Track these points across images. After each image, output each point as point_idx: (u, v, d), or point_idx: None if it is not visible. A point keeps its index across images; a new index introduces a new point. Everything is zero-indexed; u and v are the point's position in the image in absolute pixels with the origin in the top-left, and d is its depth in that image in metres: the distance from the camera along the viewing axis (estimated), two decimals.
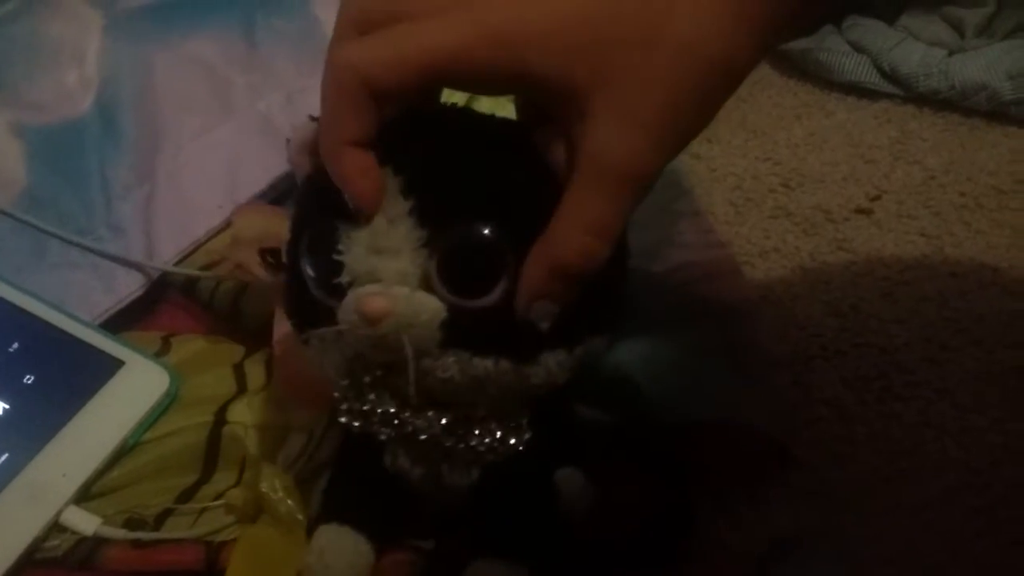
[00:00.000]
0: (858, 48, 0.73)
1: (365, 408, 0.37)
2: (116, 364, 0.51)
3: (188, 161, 0.61)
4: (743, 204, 0.64)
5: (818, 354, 0.51)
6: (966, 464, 0.45)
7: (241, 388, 0.50)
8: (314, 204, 0.37)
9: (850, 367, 0.50)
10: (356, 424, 0.38)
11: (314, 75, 0.66)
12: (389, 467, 0.40)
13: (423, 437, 0.37)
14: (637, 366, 0.45)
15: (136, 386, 0.50)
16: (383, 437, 0.38)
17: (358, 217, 0.33)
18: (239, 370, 0.51)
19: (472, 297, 0.33)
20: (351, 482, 0.42)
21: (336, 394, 0.38)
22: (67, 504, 0.45)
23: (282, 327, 0.48)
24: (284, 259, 0.38)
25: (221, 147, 0.62)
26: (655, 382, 0.45)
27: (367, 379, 0.36)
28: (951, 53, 0.70)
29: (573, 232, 0.32)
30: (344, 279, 0.34)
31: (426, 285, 0.34)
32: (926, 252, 0.58)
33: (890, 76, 0.72)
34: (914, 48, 0.71)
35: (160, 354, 0.52)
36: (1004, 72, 0.68)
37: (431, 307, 0.33)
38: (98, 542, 0.44)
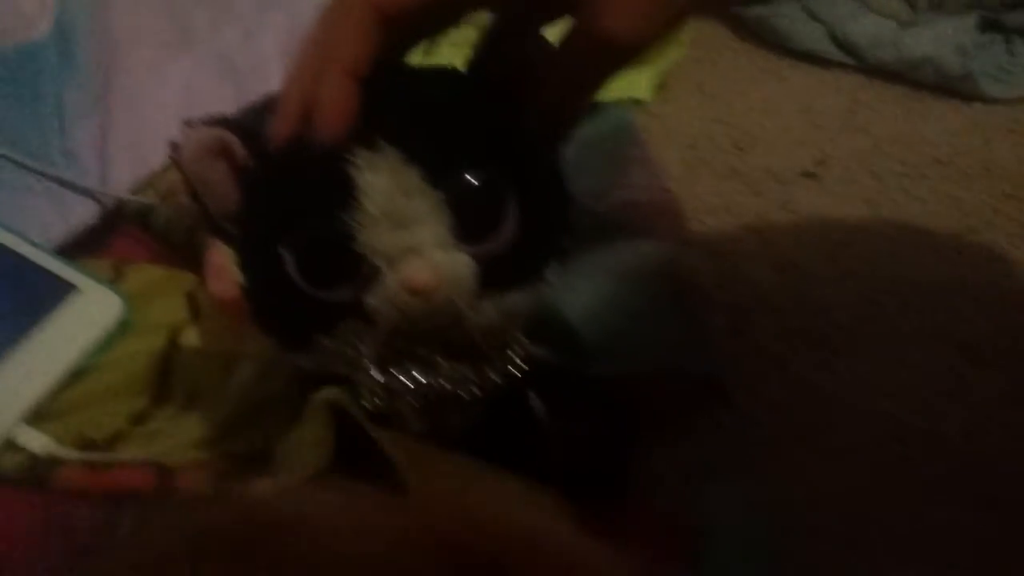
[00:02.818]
0: (813, 17, 0.74)
1: (393, 387, 0.38)
2: (69, 288, 0.51)
3: (145, 91, 0.61)
4: (695, 163, 0.66)
5: (757, 307, 0.53)
6: (893, 415, 0.47)
7: (194, 315, 0.50)
8: (284, 209, 0.36)
9: (788, 320, 0.52)
10: (380, 402, 0.38)
11: (274, 11, 0.66)
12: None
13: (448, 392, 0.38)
14: (578, 313, 0.46)
15: (89, 311, 0.50)
16: (407, 409, 0.38)
17: (359, 198, 0.34)
18: (192, 298, 0.51)
19: (490, 240, 0.35)
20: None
21: (360, 381, 0.38)
22: (18, 423, 0.46)
23: (214, 253, 0.49)
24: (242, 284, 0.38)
25: (178, 80, 0.62)
26: (595, 330, 0.46)
27: (390, 356, 0.37)
28: (903, 26, 0.72)
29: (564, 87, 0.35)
30: (376, 263, 0.34)
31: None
32: (867, 216, 0.60)
33: (843, 46, 0.74)
34: (867, 19, 0.73)
35: (114, 281, 0.53)
36: (952, 47, 0.70)
37: (466, 262, 0.35)
38: (50, 462, 0.45)
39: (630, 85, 0.69)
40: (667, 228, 0.54)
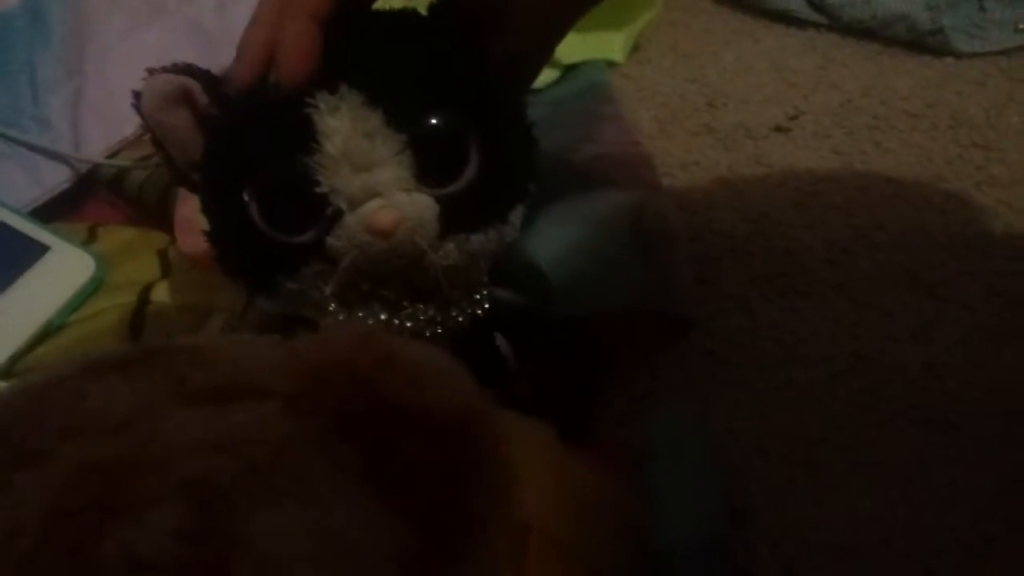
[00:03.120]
0: None
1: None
2: (42, 249, 0.51)
3: (117, 59, 0.61)
4: (668, 121, 0.66)
5: (727, 255, 0.54)
6: (855, 352, 0.47)
7: (165, 272, 0.51)
8: (245, 154, 0.36)
9: (757, 266, 0.53)
10: None
11: None
12: None
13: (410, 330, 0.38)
14: (547, 258, 0.47)
15: (61, 271, 0.51)
16: None
17: (320, 141, 0.34)
18: (163, 256, 0.52)
19: (452, 182, 0.36)
20: None
21: (326, 321, 0.38)
22: None
23: (182, 206, 0.49)
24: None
25: (150, 48, 0.62)
26: (564, 274, 0.47)
27: (355, 297, 0.37)
28: None
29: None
30: (339, 205, 0.35)
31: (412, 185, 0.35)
32: (837, 167, 0.61)
33: (816, 5, 0.74)
34: None
35: (87, 243, 0.53)
36: (923, 3, 0.70)
37: (428, 203, 0.35)
38: None
39: (604, 46, 0.69)
40: (638, 178, 0.55)
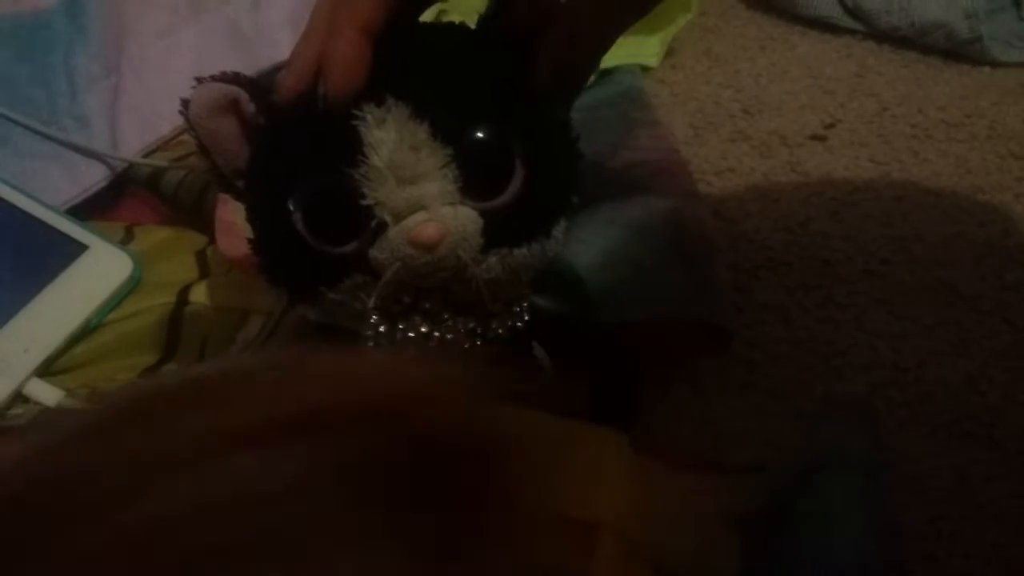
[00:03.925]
0: None
1: (396, 339, 0.38)
2: (80, 248, 0.51)
3: (154, 58, 0.62)
4: (703, 127, 0.66)
5: (764, 264, 0.53)
6: (895, 364, 0.47)
7: (203, 273, 0.51)
8: (291, 164, 0.36)
9: (794, 277, 0.52)
10: None
11: None
12: None
13: (450, 342, 0.38)
14: (585, 265, 0.47)
15: (100, 270, 0.51)
16: None
17: (367, 154, 0.34)
18: (201, 256, 0.52)
19: (497, 195, 0.36)
20: None
21: (367, 333, 0.38)
22: (30, 376, 0.46)
23: (222, 209, 0.49)
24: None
25: (187, 47, 0.63)
26: (602, 281, 0.46)
27: (396, 310, 0.37)
28: None
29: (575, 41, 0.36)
30: (383, 218, 0.35)
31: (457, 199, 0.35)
32: (874, 177, 0.60)
33: (852, 12, 0.73)
34: None
35: (124, 242, 0.53)
36: (962, 11, 0.69)
37: (472, 217, 0.35)
38: None
39: (638, 51, 0.69)
40: (675, 185, 0.54)
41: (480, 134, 0.35)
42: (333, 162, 0.35)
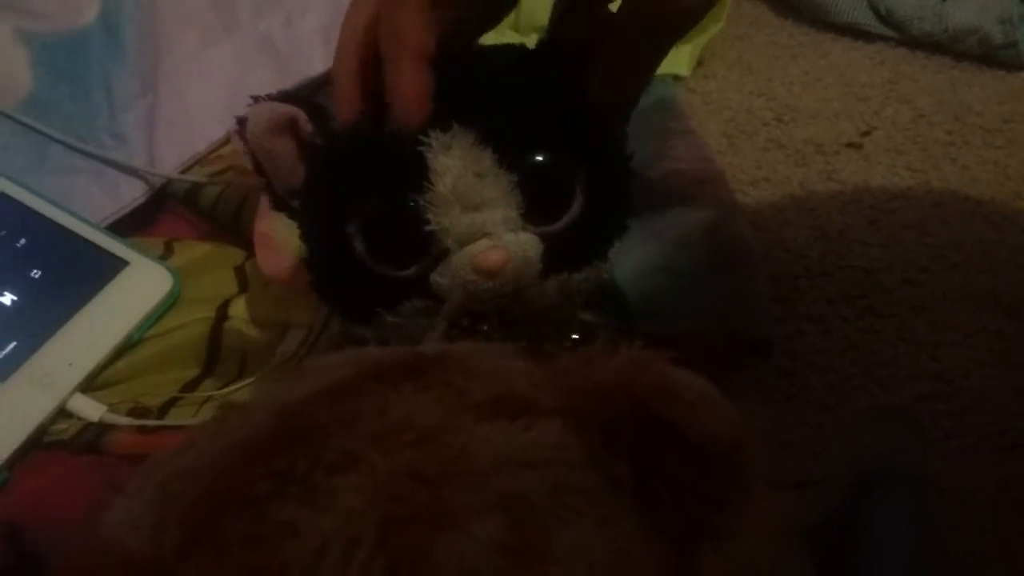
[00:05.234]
0: None
1: None
2: (121, 264, 0.52)
3: (190, 75, 0.62)
4: (737, 136, 0.65)
5: (803, 274, 0.53)
6: (938, 374, 0.46)
7: (242, 288, 0.51)
8: (352, 187, 0.36)
9: (833, 286, 0.52)
10: None
11: None
12: None
13: None
14: (625, 275, 0.47)
15: (140, 285, 0.51)
16: None
17: (432, 180, 0.34)
18: (240, 271, 0.52)
19: (558, 220, 0.36)
20: None
21: None
22: (73, 392, 0.47)
23: (260, 222, 0.49)
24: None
25: (222, 64, 0.63)
26: (642, 291, 0.46)
27: (454, 333, 0.37)
28: None
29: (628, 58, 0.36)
30: (447, 244, 0.35)
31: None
32: (912, 184, 0.60)
33: (885, 19, 0.73)
34: None
35: (164, 257, 0.54)
36: (995, 17, 0.69)
37: (534, 243, 0.36)
38: (103, 428, 0.46)
39: (670, 60, 0.69)
40: (713, 195, 0.54)
41: (543, 160, 0.35)
42: (397, 187, 0.35)
